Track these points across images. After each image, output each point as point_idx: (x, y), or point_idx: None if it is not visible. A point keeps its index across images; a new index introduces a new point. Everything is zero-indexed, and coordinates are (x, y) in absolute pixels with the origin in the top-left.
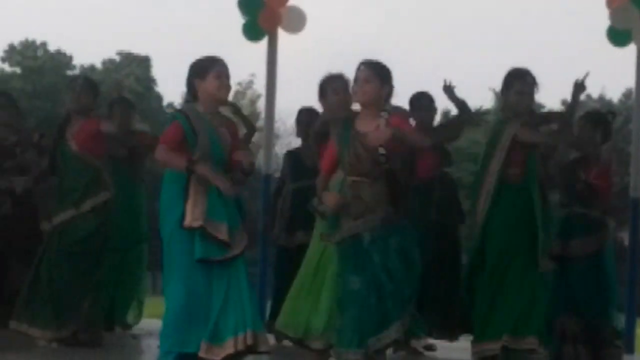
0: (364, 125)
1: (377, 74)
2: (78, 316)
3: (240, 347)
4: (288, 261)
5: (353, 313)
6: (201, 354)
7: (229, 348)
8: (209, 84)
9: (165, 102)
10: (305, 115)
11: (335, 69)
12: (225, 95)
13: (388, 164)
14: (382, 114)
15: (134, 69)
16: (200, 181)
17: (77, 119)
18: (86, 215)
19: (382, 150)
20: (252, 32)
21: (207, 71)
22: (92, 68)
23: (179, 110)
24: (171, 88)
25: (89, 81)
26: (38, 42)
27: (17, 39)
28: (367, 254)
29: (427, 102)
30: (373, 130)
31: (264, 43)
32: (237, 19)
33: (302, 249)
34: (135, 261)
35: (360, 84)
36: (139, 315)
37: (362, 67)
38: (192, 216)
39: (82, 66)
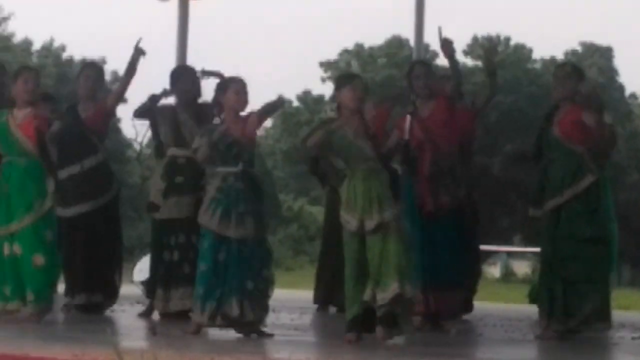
0: None
1: None
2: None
3: None
4: None
5: None
6: None
7: None
8: None
9: (627, 93)
10: None
11: None
12: None
13: None
14: None
15: (597, 59)
16: None
17: (564, 106)
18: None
19: None
20: None
21: None
22: (552, 60)
23: None
24: (633, 78)
25: None
26: (502, 36)
27: (480, 32)
28: None
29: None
30: None
31: None
32: None
33: None
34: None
35: None
36: None
37: None
38: None
39: (542, 59)
